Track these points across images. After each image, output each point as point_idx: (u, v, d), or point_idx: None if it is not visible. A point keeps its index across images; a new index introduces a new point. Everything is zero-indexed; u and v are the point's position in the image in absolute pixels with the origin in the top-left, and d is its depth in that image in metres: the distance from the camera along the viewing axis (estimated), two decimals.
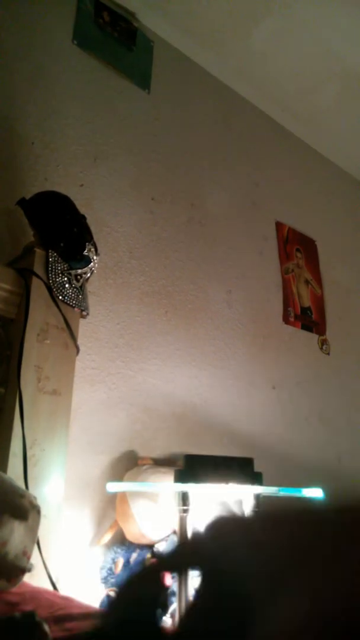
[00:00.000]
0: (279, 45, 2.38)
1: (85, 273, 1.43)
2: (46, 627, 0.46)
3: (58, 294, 1.35)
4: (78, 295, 1.40)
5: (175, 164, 2.18)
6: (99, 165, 1.90)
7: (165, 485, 1.39)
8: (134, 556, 1.42)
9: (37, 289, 1.32)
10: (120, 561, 1.42)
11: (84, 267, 1.42)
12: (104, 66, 2.04)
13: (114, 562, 1.43)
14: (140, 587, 0.31)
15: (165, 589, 0.32)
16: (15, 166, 1.66)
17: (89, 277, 1.46)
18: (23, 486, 1.13)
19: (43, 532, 1.03)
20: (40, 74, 1.82)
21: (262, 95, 2.65)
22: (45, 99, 1.80)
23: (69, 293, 1.37)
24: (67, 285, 1.37)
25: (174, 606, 1.22)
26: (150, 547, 1.43)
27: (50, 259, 1.36)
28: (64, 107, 1.85)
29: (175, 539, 1.41)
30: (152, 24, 2.26)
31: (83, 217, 1.47)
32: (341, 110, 2.73)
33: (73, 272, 1.39)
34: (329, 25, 2.27)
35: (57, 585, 1.15)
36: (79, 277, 1.41)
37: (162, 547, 1.41)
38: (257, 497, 1.31)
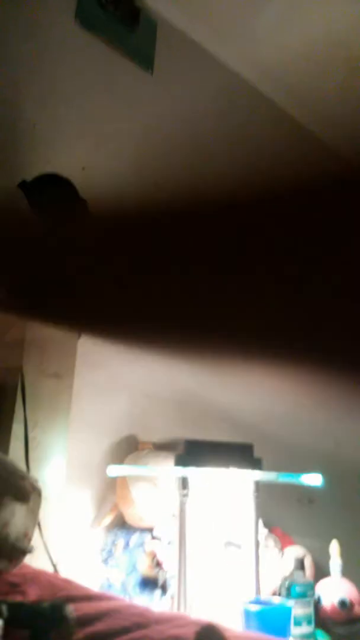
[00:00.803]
0: (284, 29, 2.35)
1: None
2: (72, 619, 0.47)
3: None
4: None
5: (178, 147, 2.16)
6: (101, 148, 1.88)
7: (165, 470, 1.40)
8: (133, 539, 1.43)
9: None
10: (121, 543, 1.44)
11: None
12: (106, 47, 2.01)
13: (114, 544, 1.45)
14: None
15: None
16: (17, 148, 1.65)
17: None
18: (24, 468, 1.13)
19: (44, 514, 1.04)
20: (41, 55, 1.79)
21: (267, 79, 2.61)
22: (46, 80, 1.78)
23: None
24: None
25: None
26: (150, 530, 1.45)
27: None
28: (65, 88, 1.83)
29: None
30: (156, 5, 2.22)
31: (84, 202, 1.46)
32: (346, 97, 2.69)
33: None
34: (335, 10, 2.24)
35: (58, 567, 1.16)
36: None
37: (161, 530, 1.43)
38: (257, 483, 1.33)
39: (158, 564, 1.34)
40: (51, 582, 0.91)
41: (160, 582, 1.32)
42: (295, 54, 2.47)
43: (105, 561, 1.43)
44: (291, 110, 2.80)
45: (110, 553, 1.43)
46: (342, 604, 1.31)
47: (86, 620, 0.67)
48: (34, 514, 0.96)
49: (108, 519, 1.49)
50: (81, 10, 1.95)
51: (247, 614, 1.03)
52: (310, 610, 1.20)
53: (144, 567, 1.35)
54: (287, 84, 2.64)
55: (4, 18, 1.73)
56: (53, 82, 1.80)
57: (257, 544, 1.30)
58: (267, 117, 2.69)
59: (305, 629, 1.17)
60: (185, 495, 1.19)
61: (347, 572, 1.42)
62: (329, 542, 1.45)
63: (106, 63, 2.00)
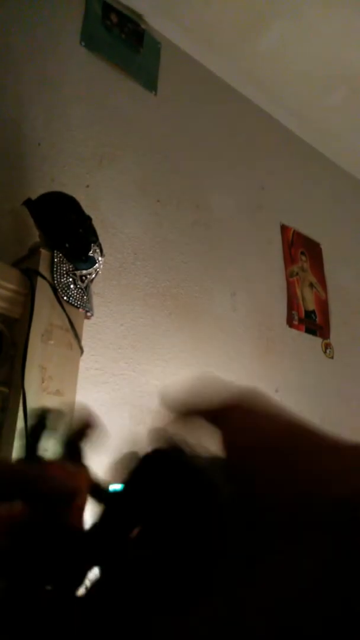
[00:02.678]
0: (287, 48, 2.39)
1: (90, 274, 1.43)
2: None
3: (63, 295, 1.35)
4: (83, 296, 1.40)
5: (181, 166, 2.19)
6: (105, 167, 1.90)
7: None
8: None
9: (42, 289, 1.33)
10: None
11: (89, 268, 1.42)
12: (111, 68, 2.04)
13: None
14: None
15: None
16: (22, 167, 1.67)
17: (93, 278, 1.46)
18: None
19: None
20: (47, 76, 1.82)
21: (269, 99, 2.65)
22: (52, 100, 1.81)
23: (73, 294, 1.37)
24: (72, 286, 1.38)
25: None
26: None
27: (56, 260, 1.36)
28: (70, 108, 1.86)
29: None
30: (160, 26, 2.26)
31: (88, 218, 1.47)
32: (348, 114, 2.73)
33: (78, 273, 1.40)
34: (337, 29, 2.27)
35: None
36: (84, 278, 1.41)
37: None
38: None
39: None
40: None
41: None
42: (297, 72, 2.50)
43: None
44: (293, 127, 2.83)
45: None
46: None
47: None
48: None
49: None
50: (86, 32, 1.99)
51: None
52: None
53: None
54: (289, 102, 2.67)
55: (10, 39, 1.76)
56: (58, 101, 1.82)
57: None
58: (269, 135, 2.71)
59: None
60: None
61: None
62: None
63: (111, 84, 2.03)
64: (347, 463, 0.23)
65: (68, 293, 1.36)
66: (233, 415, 0.28)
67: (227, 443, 0.26)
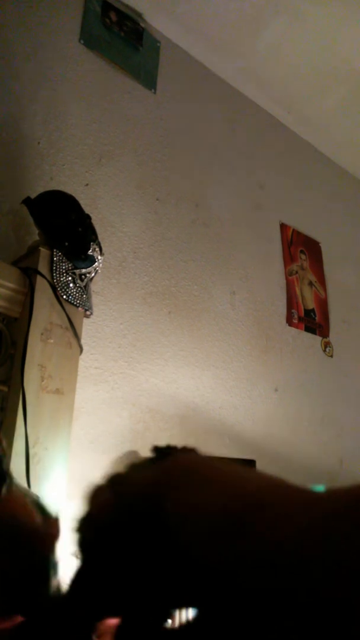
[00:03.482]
0: (286, 47, 2.38)
1: (89, 273, 1.43)
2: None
3: (62, 293, 1.35)
4: (82, 295, 1.40)
5: (180, 164, 2.18)
6: (104, 165, 1.90)
7: None
8: None
9: (42, 288, 1.32)
10: None
11: (89, 267, 1.42)
12: (110, 66, 2.04)
13: None
14: None
15: None
16: (21, 165, 1.66)
17: (93, 277, 1.46)
18: (25, 485, 1.13)
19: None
20: (46, 74, 1.82)
21: (268, 97, 2.65)
22: (51, 98, 1.81)
23: (73, 292, 1.37)
24: (71, 285, 1.37)
25: None
26: None
27: (55, 258, 1.36)
28: (70, 106, 1.85)
29: None
30: (159, 25, 2.26)
31: (88, 217, 1.47)
32: (348, 113, 2.72)
33: (77, 271, 1.40)
34: (336, 27, 2.27)
35: None
36: (83, 276, 1.41)
37: None
38: None
39: None
40: None
41: None
42: (296, 70, 2.50)
43: None
44: (293, 125, 2.83)
45: None
46: None
47: None
48: None
49: None
50: (85, 30, 1.98)
51: None
52: None
53: None
54: (288, 100, 2.67)
55: (9, 37, 1.76)
56: (57, 100, 1.82)
57: None
58: (269, 133, 2.71)
59: None
60: None
61: None
62: None
63: (110, 82, 2.02)
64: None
65: (67, 292, 1.36)
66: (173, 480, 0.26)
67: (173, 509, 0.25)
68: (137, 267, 1.88)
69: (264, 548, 0.20)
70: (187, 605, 0.25)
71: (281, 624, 0.19)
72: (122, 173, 1.95)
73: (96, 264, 1.44)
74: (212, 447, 1.85)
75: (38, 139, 1.73)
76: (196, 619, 0.23)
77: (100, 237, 1.49)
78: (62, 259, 1.38)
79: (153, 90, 2.16)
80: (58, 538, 0.30)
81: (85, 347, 1.44)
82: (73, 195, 1.49)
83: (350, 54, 2.39)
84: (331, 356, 2.55)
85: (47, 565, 0.33)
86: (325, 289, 2.68)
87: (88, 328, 1.59)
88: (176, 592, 0.25)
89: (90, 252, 1.42)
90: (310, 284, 2.61)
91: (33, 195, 1.44)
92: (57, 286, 1.34)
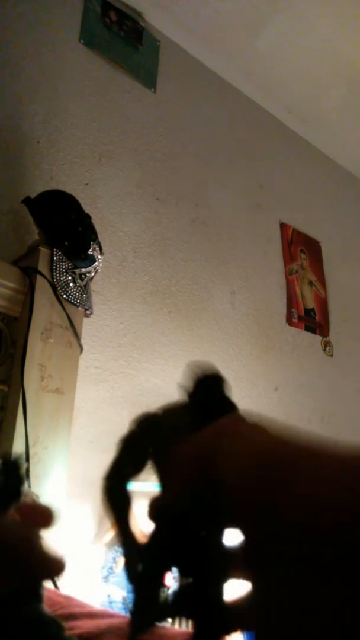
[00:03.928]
0: (286, 46, 2.38)
1: (89, 272, 1.43)
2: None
3: (62, 293, 1.35)
4: (82, 294, 1.40)
5: (180, 164, 2.18)
6: (104, 165, 1.90)
7: None
8: None
9: (42, 287, 1.33)
10: (121, 560, 1.42)
11: (89, 266, 1.42)
12: (110, 65, 2.04)
13: (115, 561, 1.43)
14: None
15: None
16: (21, 165, 1.66)
17: (93, 276, 1.46)
18: (25, 484, 1.13)
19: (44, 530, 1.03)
20: (46, 73, 1.82)
21: (268, 97, 2.65)
22: (51, 97, 1.81)
23: (73, 292, 1.37)
24: (71, 284, 1.38)
25: None
26: None
27: (55, 258, 1.36)
28: (69, 106, 1.85)
29: None
30: (159, 24, 2.26)
31: (88, 217, 1.47)
32: (347, 113, 2.72)
33: (77, 271, 1.40)
34: (336, 27, 2.27)
35: (58, 584, 1.15)
36: (83, 276, 1.41)
37: None
38: None
39: None
40: (52, 598, 0.91)
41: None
42: (296, 70, 2.50)
43: (106, 578, 1.41)
44: (293, 125, 2.83)
45: (111, 570, 1.42)
46: None
47: (87, 638, 0.66)
48: None
49: (109, 536, 1.47)
50: (85, 29, 1.98)
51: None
52: None
53: None
54: (288, 99, 2.67)
55: (9, 36, 1.76)
56: (57, 99, 1.82)
57: None
58: (268, 132, 2.71)
59: None
60: None
61: None
62: None
63: (110, 81, 2.02)
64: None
65: (67, 291, 1.36)
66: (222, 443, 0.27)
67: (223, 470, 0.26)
68: (137, 267, 1.88)
69: (313, 485, 0.22)
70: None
71: (319, 560, 0.20)
72: (122, 172, 1.95)
73: (96, 263, 1.44)
74: None
75: (38, 138, 1.73)
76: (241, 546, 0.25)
77: (100, 236, 1.49)
78: (62, 258, 1.38)
79: (153, 90, 2.16)
80: (62, 572, 0.30)
81: (85, 347, 1.44)
82: (73, 194, 1.49)
83: (350, 54, 2.39)
84: (331, 355, 2.55)
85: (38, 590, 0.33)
86: (325, 289, 2.68)
87: (88, 327, 1.59)
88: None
89: (90, 251, 1.42)
90: (310, 283, 2.61)
91: (33, 195, 1.44)
92: (57, 285, 1.34)
